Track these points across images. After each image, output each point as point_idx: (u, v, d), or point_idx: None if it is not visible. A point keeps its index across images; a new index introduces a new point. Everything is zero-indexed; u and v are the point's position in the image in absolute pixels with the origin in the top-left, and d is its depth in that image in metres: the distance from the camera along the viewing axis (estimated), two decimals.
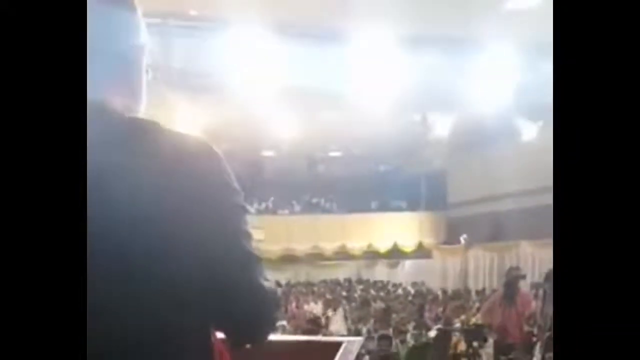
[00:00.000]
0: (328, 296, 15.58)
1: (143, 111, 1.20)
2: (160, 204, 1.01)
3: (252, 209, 23.21)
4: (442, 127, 16.08)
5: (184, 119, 13.56)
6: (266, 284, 1.13)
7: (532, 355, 7.76)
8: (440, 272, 21.34)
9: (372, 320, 11.99)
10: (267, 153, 21.22)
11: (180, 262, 1.02)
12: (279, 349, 1.90)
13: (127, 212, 0.98)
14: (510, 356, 7.13)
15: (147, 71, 1.22)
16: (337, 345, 1.80)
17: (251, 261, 1.11)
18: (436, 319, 11.89)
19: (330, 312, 12.64)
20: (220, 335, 1.17)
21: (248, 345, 1.18)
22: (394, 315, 11.89)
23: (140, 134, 1.06)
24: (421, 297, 15.94)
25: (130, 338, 1.00)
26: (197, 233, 1.03)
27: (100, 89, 1.06)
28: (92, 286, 0.93)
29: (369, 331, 11.11)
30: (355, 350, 1.78)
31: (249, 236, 1.12)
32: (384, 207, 23.97)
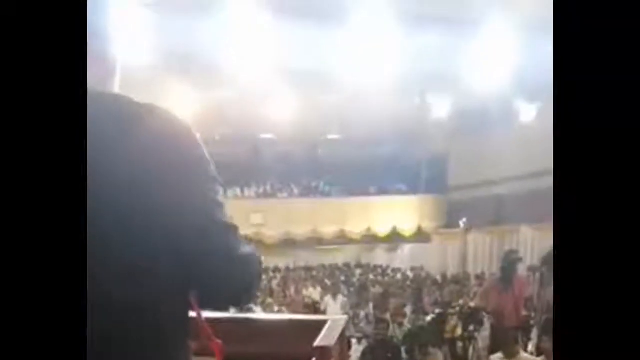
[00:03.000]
0: (327, 281, 15.51)
1: (117, 86, 1.21)
2: (133, 175, 1.03)
3: (251, 193, 23.16)
4: (441, 109, 15.95)
5: (180, 101, 13.49)
6: (241, 248, 1.14)
7: (528, 339, 7.69)
8: (440, 256, 21.26)
9: (370, 305, 11.94)
10: (266, 136, 21.12)
11: (152, 231, 1.04)
12: (265, 327, 2.06)
13: (104, 186, 1.00)
14: (507, 340, 7.04)
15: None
16: (323, 323, 1.89)
17: (220, 227, 1.12)
18: (434, 304, 11.83)
19: (329, 299, 12.55)
20: (204, 314, 1.22)
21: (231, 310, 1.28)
22: (392, 300, 11.83)
23: (112, 108, 1.08)
24: (420, 282, 15.89)
25: (113, 301, 1.02)
26: (169, 203, 1.05)
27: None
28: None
29: (367, 315, 11.08)
30: (339, 327, 1.88)
31: (220, 205, 1.13)
32: (383, 191, 23.87)
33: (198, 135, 1.14)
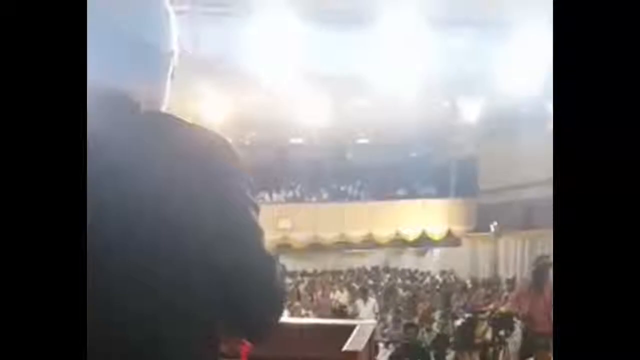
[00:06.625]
0: (354, 285, 15.48)
1: (167, 100, 1.20)
2: (165, 193, 1.01)
3: (280, 197, 23.22)
4: (471, 112, 15.80)
5: (211, 107, 13.59)
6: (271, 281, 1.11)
7: None
8: (470, 260, 21.10)
9: (398, 309, 11.90)
10: (295, 140, 21.16)
11: (185, 256, 1.02)
12: (293, 331, 2.01)
13: (132, 198, 1.00)
14: (538, 346, 6.96)
15: (173, 62, 1.20)
16: (351, 328, 1.88)
17: (256, 255, 1.09)
18: (464, 308, 11.75)
19: (360, 303, 12.49)
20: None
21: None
22: (420, 304, 11.77)
23: (154, 126, 1.08)
24: (449, 286, 15.79)
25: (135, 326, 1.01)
26: (202, 230, 1.03)
27: (122, 77, 1.08)
28: (96, 269, 0.95)
29: (394, 320, 11.04)
30: (368, 332, 1.87)
31: (257, 230, 1.10)
32: (413, 195, 23.74)
33: (240, 164, 1.11)
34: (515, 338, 8.25)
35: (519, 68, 12.02)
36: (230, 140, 1.12)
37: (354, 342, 1.75)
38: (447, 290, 14.37)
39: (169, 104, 1.20)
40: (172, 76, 1.21)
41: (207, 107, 13.56)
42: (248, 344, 1.27)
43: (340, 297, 13.70)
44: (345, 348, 1.68)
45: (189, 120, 1.11)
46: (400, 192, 24.00)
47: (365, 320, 2.92)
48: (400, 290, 15.00)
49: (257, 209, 1.11)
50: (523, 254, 18.13)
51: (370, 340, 1.88)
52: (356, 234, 22.33)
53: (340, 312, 10.30)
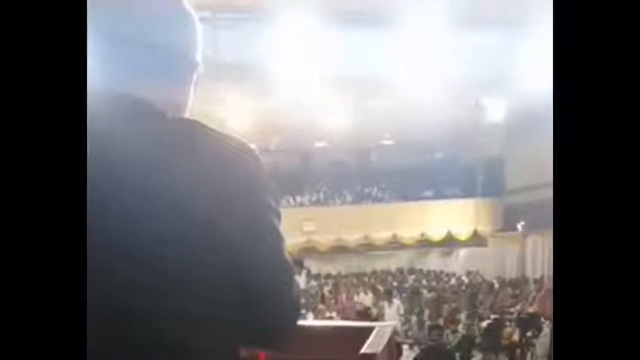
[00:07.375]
0: (379, 287, 15.44)
1: (191, 107, 1.20)
2: (186, 198, 1.01)
3: (304, 200, 23.26)
4: (496, 112, 15.71)
5: (235, 112, 13.68)
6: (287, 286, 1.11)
7: None
8: (496, 260, 20.91)
9: (423, 310, 11.85)
10: (319, 144, 21.16)
11: (207, 261, 1.03)
12: (312, 334, 1.92)
13: (152, 201, 1.00)
14: None
15: (198, 69, 1.21)
16: (370, 329, 1.80)
17: (277, 263, 1.10)
18: (490, 309, 11.67)
19: (384, 304, 12.46)
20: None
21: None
22: (445, 305, 11.71)
23: (179, 133, 1.08)
24: (475, 286, 15.69)
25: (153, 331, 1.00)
26: (225, 235, 1.03)
27: (145, 83, 1.09)
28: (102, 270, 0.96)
29: (419, 322, 11.00)
30: (387, 334, 1.78)
31: (279, 238, 1.10)
32: (438, 195, 23.61)
33: (261, 161, 1.11)
34: (543, 339, 8.17)
35: (544, 67, 11.94)
36: (253, 146, 1.11)
37: (372, 345, 1.72)
38: (473, 291, 14.27)
39: (192, 110, 1.20)
40: (197, 83, 1.22)
41: (230, 113, 13.67)
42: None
43: (365, 299, 13.68)
44: (362, 351, 1.66)
45: (212, 126, 1.12)
46: (425, 192, 23.87)
47: (386, 322, 2.87)
48: (426, 292, 14.94)
49: (279, 216, 1.11)
50: (551, 253, 17.92)
51: (389, 342, 1.86)
52: (380, 235, 22.27)
53: (364, 314, 10.29)
